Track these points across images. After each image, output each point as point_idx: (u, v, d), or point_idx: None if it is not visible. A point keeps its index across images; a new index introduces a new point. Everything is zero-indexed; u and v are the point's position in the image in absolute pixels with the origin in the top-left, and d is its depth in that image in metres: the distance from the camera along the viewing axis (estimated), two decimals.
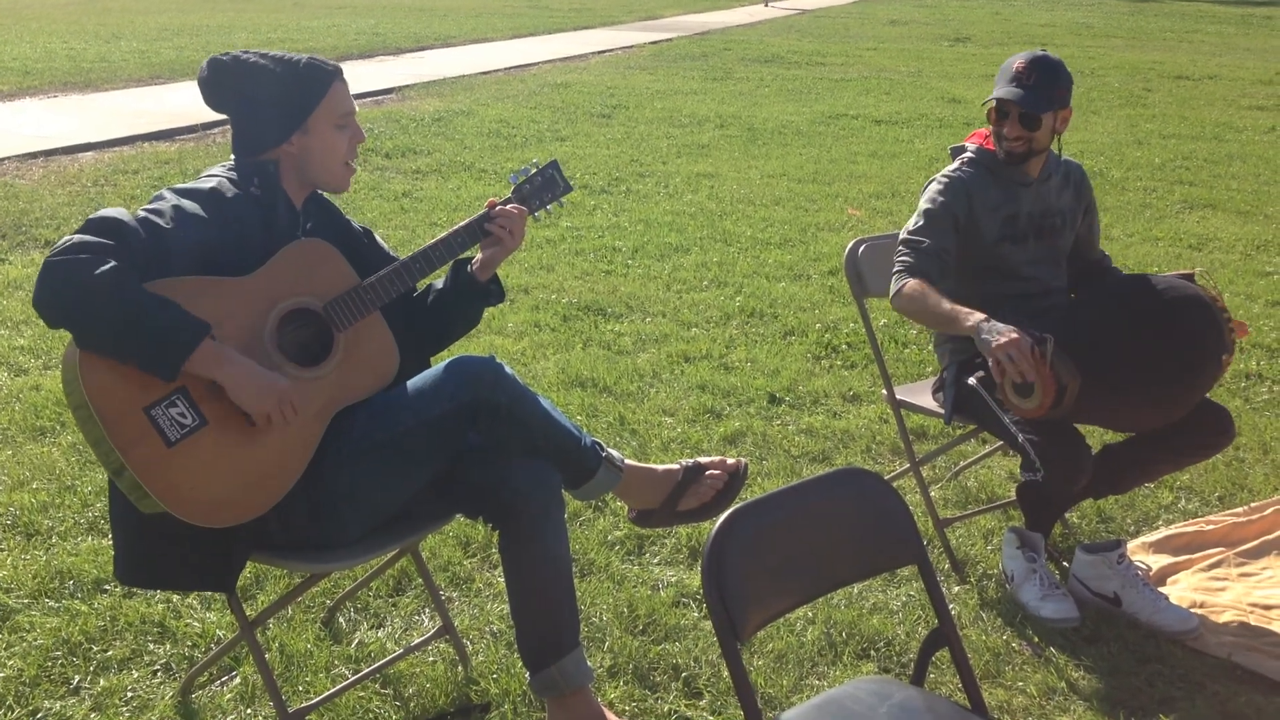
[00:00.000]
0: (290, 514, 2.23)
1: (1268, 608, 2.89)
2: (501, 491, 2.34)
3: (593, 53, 16.86)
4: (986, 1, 30.62)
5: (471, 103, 11.40)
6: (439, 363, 2.39)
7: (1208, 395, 2.91)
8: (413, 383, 2.37)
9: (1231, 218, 7.26)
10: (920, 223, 3.05)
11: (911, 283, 2.94)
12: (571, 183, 2.64)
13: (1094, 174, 8.36)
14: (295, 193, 2.39)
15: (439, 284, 2.58)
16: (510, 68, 14.57)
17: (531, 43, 18.13)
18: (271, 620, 2.78)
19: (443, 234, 2.45)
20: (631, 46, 17.95)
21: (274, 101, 2.31)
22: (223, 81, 2.33)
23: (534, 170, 2.61)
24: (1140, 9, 27.75)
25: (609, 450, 2.49)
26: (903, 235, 3.08)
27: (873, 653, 2.76)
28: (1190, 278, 2.88)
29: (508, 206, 2.48)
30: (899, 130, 10.48)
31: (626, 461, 2.52)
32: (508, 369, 2.34)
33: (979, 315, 2.74)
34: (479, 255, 2.52)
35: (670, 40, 19.07)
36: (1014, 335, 2.63)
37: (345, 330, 2.31)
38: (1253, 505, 3.41)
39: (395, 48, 16.37)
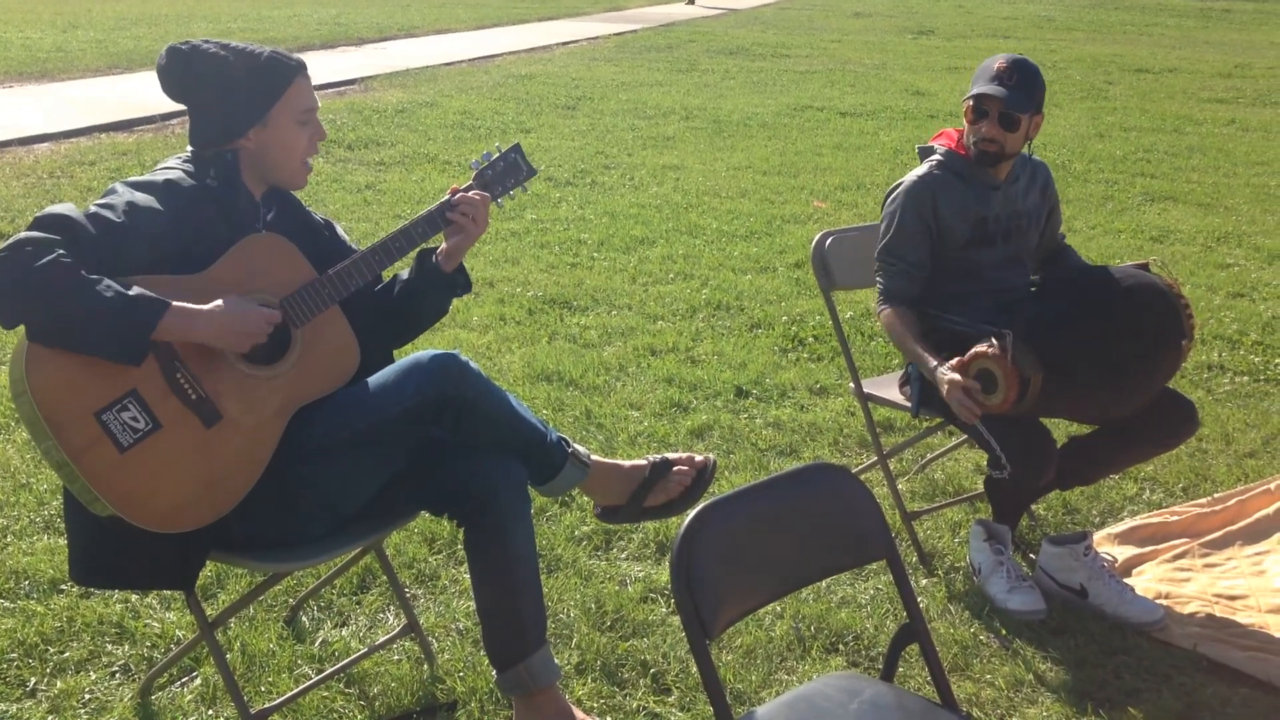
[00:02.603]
0: (251, 513, 2.19)
1: (1232, 598, 2.91)
2: (467, 488, 2.31)
3: (557, 44, 16.79)
4: None
5: (435, 94, 11.31)
6: (402, 358, 2.36)
7: (1171, 386, 2.92)
8: (375, 379, 2.33)
9: (1192, 210, 7.32)
10: (891, 237, 3.04)
11: (887, 312, 3.04)
12: (537, 167, 2.60)
13: (1057, 166, 8.41)
14: (255, 185, 2.34)
15: (404, 275, 2.53)
16: (474, 59, 14.48)
17: (496, 34, 18.03)
18: (233, 620, 2.74)
19: (402, 225, 2.41)
20: (596, 38, 17.89)
21: (234, 93, 2.25)
22: (181, 71, 2.27)
23: (496, 155, 2.54)
24: (1101, 2, 27.97)
25: (575, 446, 2.46)
26: (879, 249, 3.08)
27: (841, 646, 2.75)
28: (1146, 267, 2.90)
29: (470, 193, 2.44)
30: (864, 122, 10.51)
31: (593, 457, 2.49)
32: (472, 364, 2.31)
33: (934, 361, 2.87)
34: (443, 245, 2.47)
35: (635, 32, 19.03)
36: (954, 378, 2.76)
37: (303, 326, 2.26)
38: (1216, 496, 3.44)
39: (358, 38, 16.23)
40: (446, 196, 2.45)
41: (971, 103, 2.98)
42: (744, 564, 1.85)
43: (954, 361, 2.80)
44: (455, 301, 2.63)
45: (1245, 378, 4.48)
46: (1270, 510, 3.28)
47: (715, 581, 1.78)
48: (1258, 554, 3.11)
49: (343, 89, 11.52)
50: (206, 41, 2.29)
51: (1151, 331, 2.74)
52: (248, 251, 2.24)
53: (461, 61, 14.13)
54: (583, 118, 10.39)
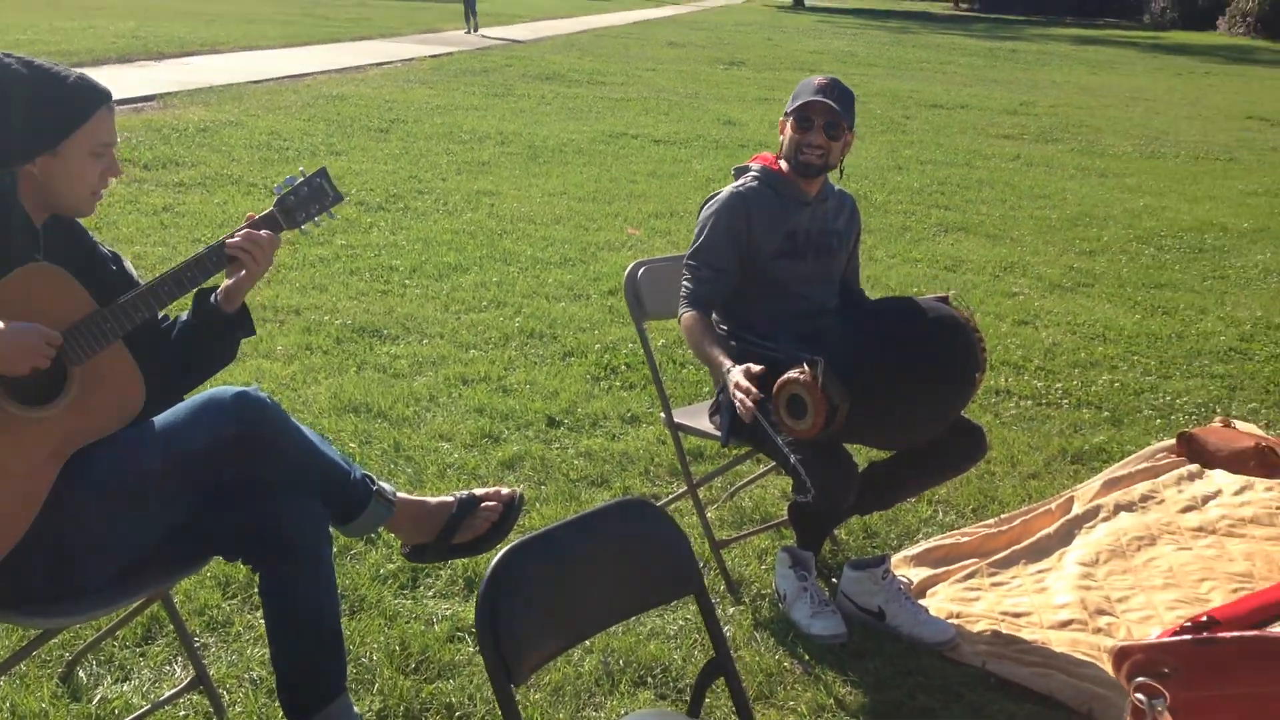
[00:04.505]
0: (21, 567, 2.04)
1: (1017, 615, 3.06)
2: (263, 531, 2.22)
3: (371, 64, 16.51)
4: (759, 28, 31.73)
5: (240, 113, 10.94)
6: (194, 394, 2.25)
7: (963, 413, 3.06)
8: (163, 417, 2.22)
9: (982, 241, 7.72)
10: (700, 243, 3.10)
11: (689, 315, 3.07)
12: (344, 193, 2.52)
13: (860, 197, 8.71)
14: (35, 211, 2.19)
15: (185, 315, 2.41)
16: (283, 77, 14.09)
17: (306, 52, 17.59)
18: (1, 678, 2.55)
19: (196, 254, 2.29)
20: (411, 59, 17.67)
21: (25, 114, 2.10)
22: None
23: (300, 180, 2.44)
24: (900, 40, 29.33)
25: (380, 483, 2.40)
26: (688, 254, 3.13)
27: (650, 679, 2.76)
28: (945, 300, 3.03)
29: (260, 231, 2.32)
30: (677, 150, 10.69)
31: (399, 494, 2.44)
32: (269, 399, 2.22)
33: (728, 363, 2.92)
34: (224, 282, 2.34)
35: (451, 54, 18.88)
36: (738, 379, 2.82)
37: (81, 363, 2.12)
38: (1003, 517, 3.61)
39: (157, 52, 15.57)
40: (242, 225, 2.34)
41: (795, 114, 3.07)
42: (552, 605, 1.83)
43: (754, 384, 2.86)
44: (258, 330, 2.52)
45: (1029, 402, 4.74)
46: (1051, 529, 3.46)
47: (522, 625, 1.76)
48: (1040, 572, 3.28)
49: (140, 105, 11.02)
50: (8, 55, 2.13)
51: (950, 363, 2.87)
52: (20, 282, 2.09)
53: (269, 79, 13.72)
54: (396, 141, 10.23)
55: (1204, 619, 2.01)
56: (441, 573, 3.14)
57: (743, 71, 19.00)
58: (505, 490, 2.51)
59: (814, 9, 45.50)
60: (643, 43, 24.34)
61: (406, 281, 5.97)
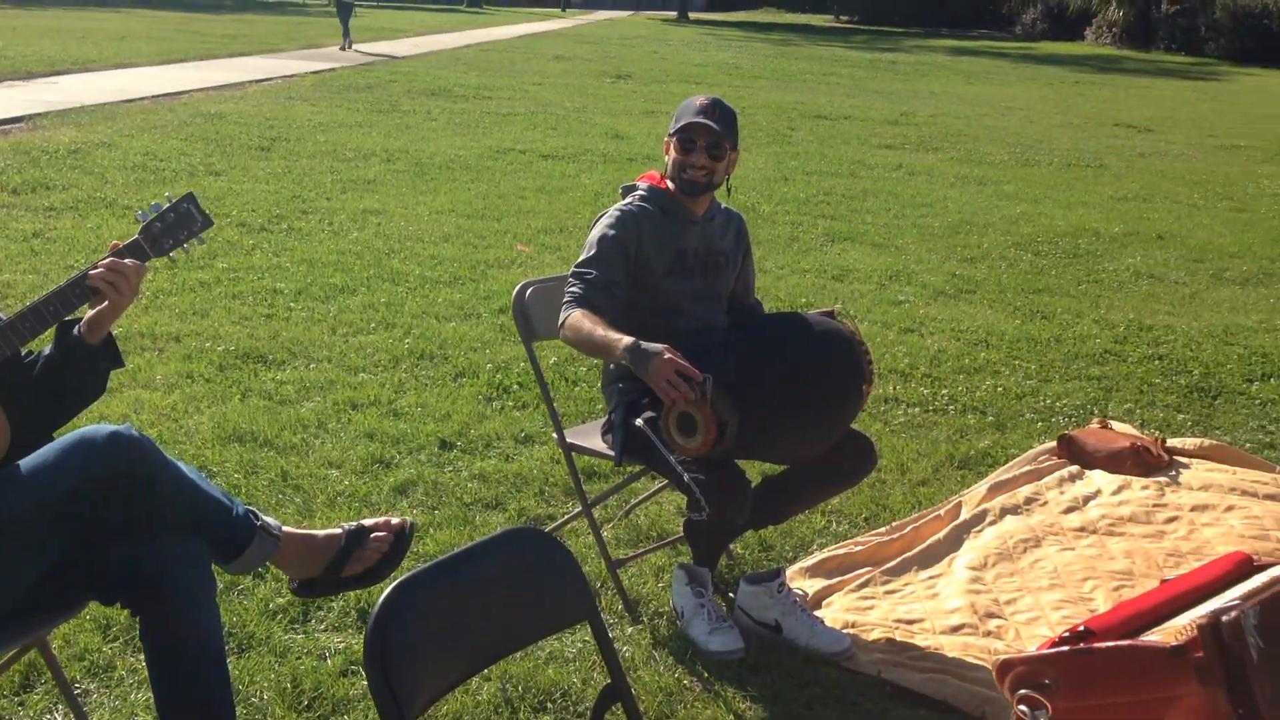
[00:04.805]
0: None
1: (910, 622, 3.11)
2: (141, 574, 2.14)
3: (250, 81, 16.17)
4: (645, 41, 31.96)
5: (113, 133, 10.61)
6: (64, 434, 2.16)
7: (853, 424, 3.11)
8: (32, 458, 2.12)
9: (868, 250, 7.86)
10: (590, 254, 3.09)
11: (575, 313, 2.97)
12: (213, 218, 2.45)
13: (747, 208, 8.84)
14: None
15: (47, 349, 2.31)
16: (158, 95, 13.72)
17: (182, 69, 17.16)
18: None
19: (58, 286, 2.20)
20: (292, 76, 17.35)
21: None
22: None
23: (165, 206, 2.36)
24: (783, 52, 29.81)
25: (264, 518, 2.34)
26: (574, 266, 3.12)
27: (550, 705, 2.74)
28: (831, 314, 3.08)
29: (125, 260, 2.24)
30: (566, 165, 10.68)
31: (284, 529, 2.38)
32: (144, 438, 2.15)
33: (629, 339, 2.79)
34: (87, 314, 2.26)
35: (334, 70, 18.60)
36: (667, 357, 2.70)
37: None
38: (894, 524, 3.67)
39: (25, 72, 15.03)
40: (106, 254, 2.26)
41: (678, 136, 3.08)
42: (444, 639, 1.80)
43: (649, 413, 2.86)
44: (136, 359, 2.44)
45: (917, 409, 4.84)
46: (941, 535, 3.53)
47: (414, 661, 1.72)
48: (931, 578, 3.34)
49: (7, 128, 10.61)
50: None
51: (837, 377, 2.91)
52: None
53: (144, 98, 13.35)
54: (278, 159, 10.03)
55: (1081, 629, 2.07)
56: (333, 604, 3.07)
57: (629, 85, 19.09)
58: (395, 520, 2.46)
59: (698, 21, 46.00)
60: (529, 57, 24.31)
61: (291, 304, 5.85)
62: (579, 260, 3.11)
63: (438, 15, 43.32)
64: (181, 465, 2.23)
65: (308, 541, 2.40)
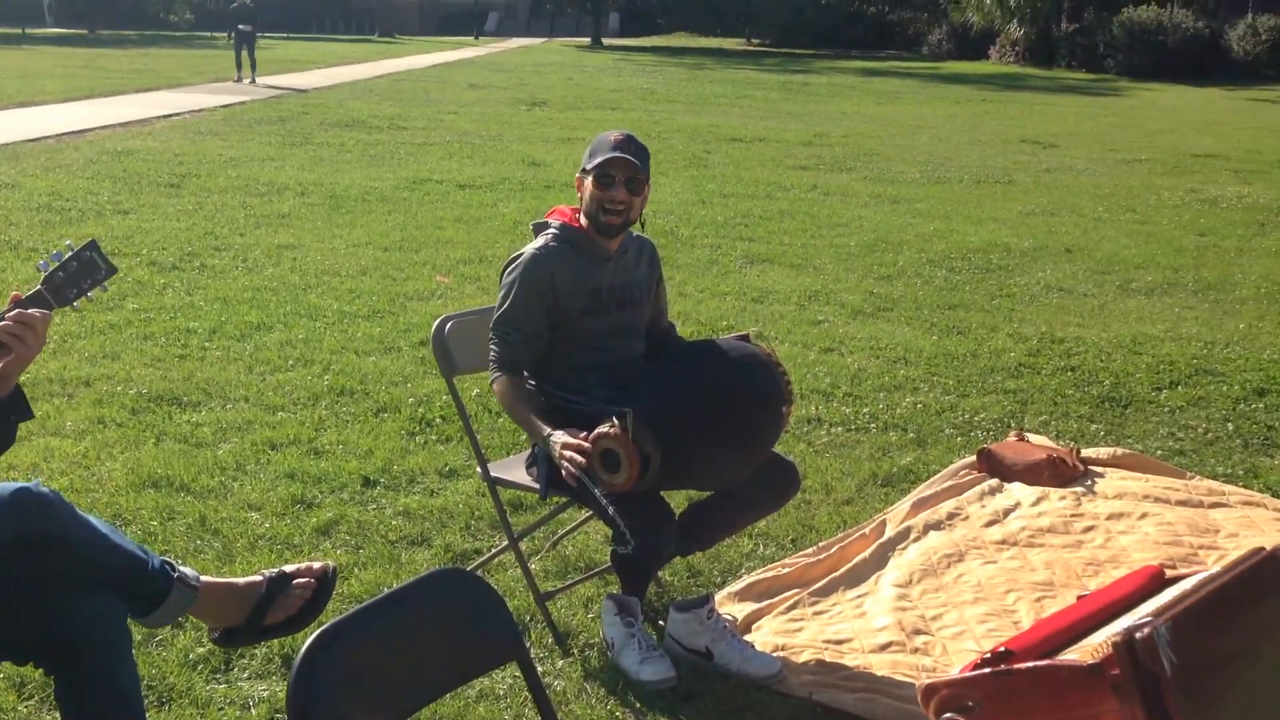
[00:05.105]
0: None
1: (839, 642, 3.13)
2: (54, 633, 2.08)
3: (158, 116, 15.89)
4: (559, 68, 32.05)
5: (16, 173, 10.35)
6: None
7: (776, 448, 3.13)
8: None
9: (786, 271, 7.95)
10: (506, 308, 3.09)
11: (500, 380, 3.09)
12: (117, 266, 2.40)
13: (665, 233, 8.89)
14: None
15: None
16: (63, 134, 13.42)
17: (87, 106, 16.82)
18: None
19: None
20: (201, 110, 17.10)
21: None
22: None
23: (68, 255, 2.30)
24: (697, 76, 30.09)
25: (182, 568, 2.29)
26: (495, 319, 3.11)
27: None
28: (747, 338, 3.10)
29: (30, 311, 2.18)
30: (483, 194, 10.65)
31: (203, 578, 2.33)
32: (51, 493, 2.09)
33: (547, 429, 2.96)
34: None
35: (243, 103, 18.36)
36: (565, 440, 2.88)
37: None
38: (820, 545, 3.70)
39: None
40: (8, 306, 2.20)
41: (595, 172, 3.07)
42: (369, 686, 1.77)
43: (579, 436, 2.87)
44: (44, 406, 2.37)
45: (839, 428, 4.89)
46: (867, 554, 3.57)
47: (339, 709, 1.70)
48: (859, 597, 3.37)
49: None
50: None
51: (757, 402, 2.94)
52: None
53: (47, 137, 13.06)
54: (188, 196, 9.86)
55: (1002, 650, 2.11)
56: (256, 652, 3.01)
57: (545, 112, 19.12)
58: (318, 564, 2.43)
59: (612, 47, 46.28)
60: (443, 86, 24.23)
61: (206, 344, 5.74)
62: (498, 314, 3.12)
63: (349, 46, 43.03)
64: (93, 519, 2.18)
65: (228, 590, 2.35)
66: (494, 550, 3.57)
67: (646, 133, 15.80)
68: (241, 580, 2.39)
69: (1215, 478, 4.29)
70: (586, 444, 2.82)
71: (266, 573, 2.40)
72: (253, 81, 22.54)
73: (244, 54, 22.84)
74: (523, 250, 3.16)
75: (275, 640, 3.02)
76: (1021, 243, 9.05)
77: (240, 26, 22.81)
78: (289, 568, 2.42)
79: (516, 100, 21.03)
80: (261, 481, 4.13)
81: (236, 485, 4.09)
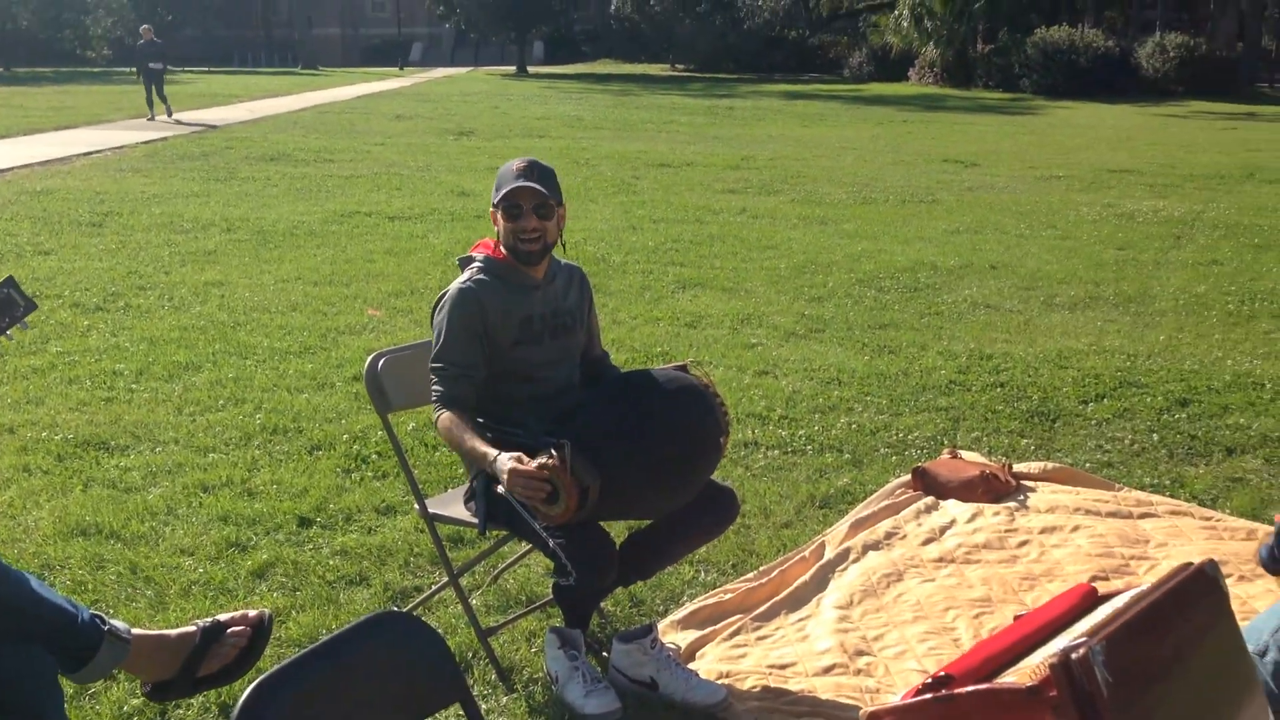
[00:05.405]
0: None
1: (783, 667, 3.14)
2: None
3: (77, 154, 15.60)
4: (485, 97, 32.05)
5: None
6: None
7: (713, 474, 3.15)
8: None
9: (718, 295, 8.00)
10: (442, 346, 3.08)
11: (444, 416, 3.03)
12: (38, 300, 2.35)
13: (596, 260, 8.91)
14: None
15: None
16: None
17: (4, 145, 16.48)
18: None
19: None
20: (122, 147, 16.82)
21: None
22: None
23: None
24: (623, 102, 30.25)
25: (112, 622, 2.24)
26: (432, 358, 3.10)
27: None
28: (684, 368, 3.12)
29: None
30: (413, 225, 10.59)
31: (134, 630, 2.28)
32: None
33: (493, 452, 2.88)
34: None
35: (165, 139, 18.10)
36: (513, 465, 2.79)
37: None
38: (761, 569, 3.72)
39: None
40: None
41: (503, 205, 3.07)
42: None
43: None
44: None
45: (776, 451, 4.92)
46: (807, 577, 3.59)
47: None
48: (801, 620, 3.39)
49: None
50: None
51: (694, 431, 2.95)
52: None
53: None
54: (111, 235, 9.69)
55: (942, 675, 2.13)
56: (193, 703, 2.94)
57: (473, 141, 19.09)
58: (253, 612, 2.39)
59: (537, 75, 46.39)
60: (369, 117, 24.10)
61: (133, 386, 5.64)
62: (434, 351, 3.10)
63: (272, 78, 42.63)
64: (21, 572, 2.12)
65: (160, 642, 2.31)
66: (434, 587, 3.54)
67: (575, 159, 15.87)
68: (174, 631, 2.35)
69: (1143, 488, 4.39)
70: (537, 474, 2.77)
71: (200, 622, 2.36)
72: (169, 117, 22.00)
73: (153, 92, 22.05)
74: (449, 287, 3.15)
75: (211, 692, 2.97)
76: (947, 261, 9.20)
77: (151, 65, 22.14)
78: (224, 616, 2.38)
79: (443, 130, 20.98)
80: (194, 525, 4.05)
81: (168, 530, 4.02)
